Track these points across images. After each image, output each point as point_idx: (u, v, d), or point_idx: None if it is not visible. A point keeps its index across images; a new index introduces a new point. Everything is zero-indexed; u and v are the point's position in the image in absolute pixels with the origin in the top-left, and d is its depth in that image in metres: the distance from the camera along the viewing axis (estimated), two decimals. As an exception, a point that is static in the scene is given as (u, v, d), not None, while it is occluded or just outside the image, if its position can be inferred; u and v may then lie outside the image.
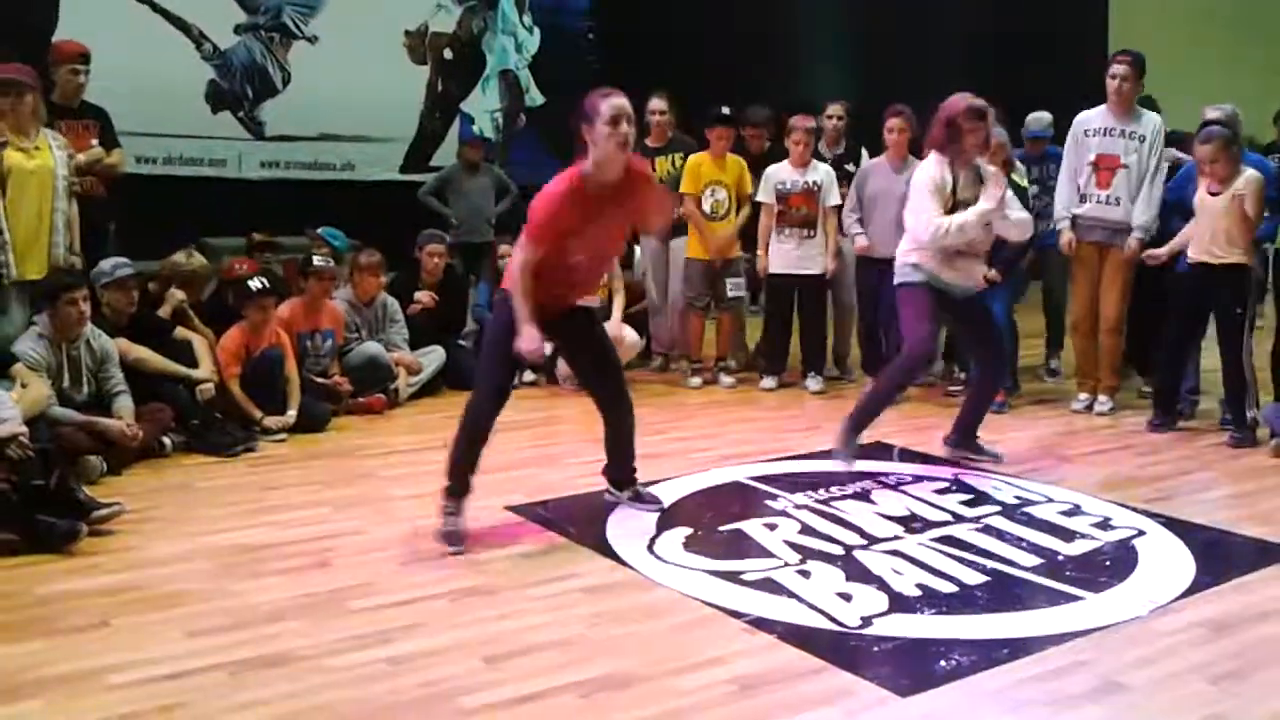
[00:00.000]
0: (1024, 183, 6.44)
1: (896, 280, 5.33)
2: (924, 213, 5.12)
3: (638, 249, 7.58)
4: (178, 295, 5.98)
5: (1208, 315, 5.95)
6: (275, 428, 5.81)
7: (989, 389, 5.68)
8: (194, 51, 8.87)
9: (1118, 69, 6.27)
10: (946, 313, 5.35)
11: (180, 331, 5.85)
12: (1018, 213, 5.35)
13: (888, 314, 6.80)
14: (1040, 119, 7.33)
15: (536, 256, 4.09)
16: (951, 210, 5.10)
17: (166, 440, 5.43)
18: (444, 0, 10.25)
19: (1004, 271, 6.32)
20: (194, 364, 5.73)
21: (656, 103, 7.37)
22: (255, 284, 6.04)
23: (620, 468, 4.72)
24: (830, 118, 7.49)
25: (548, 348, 4.35)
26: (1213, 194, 5.78)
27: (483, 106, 10.70)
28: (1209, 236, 5.78)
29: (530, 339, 4.04)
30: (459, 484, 4.29)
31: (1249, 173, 5.75)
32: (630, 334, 7.27)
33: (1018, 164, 6.58)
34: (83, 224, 5.74)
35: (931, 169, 5.17)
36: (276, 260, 7.28)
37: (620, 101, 4.08)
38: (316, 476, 5.17)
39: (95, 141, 6.23)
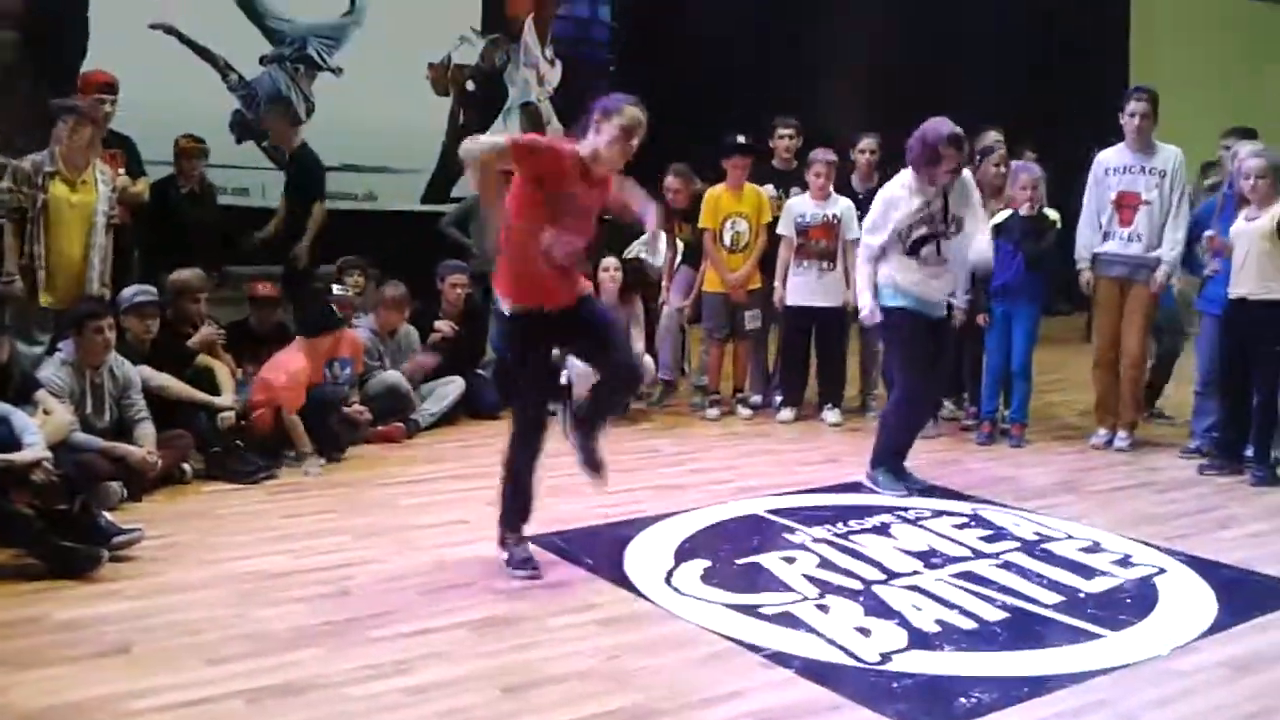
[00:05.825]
0: (1056, 220, 6.43)
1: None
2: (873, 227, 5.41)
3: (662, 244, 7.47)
4: (211, 330, 6.00)
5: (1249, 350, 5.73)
6: (316, 471, 5.71)
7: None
8: (219, 82, 8.96)
9: (1135, 106, 6.26)
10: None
11: (202, 359, 5.89)
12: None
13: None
14: None
15: (505, 152, 4.03)
16: (921, 223, 5.31)
17: (187, 467, 5.46)
18: (467, 33, 10.33)
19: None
20: (215, 391, 5.76)
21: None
22: (339, 289, 6.23)
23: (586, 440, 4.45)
24: (863, 152, 7.41)
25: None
26: (1250, 220, 5.69)
27: (504, 138, 10.75)
28: (1242, 269, 5.69)
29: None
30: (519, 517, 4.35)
31: None
32: (648, 360, 7.23)
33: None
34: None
35: (902, 186, 5.40)
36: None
37: (641, 116, 4.08)
38: (336, 505, 5.19)
39: (122, 170, 6.31)
